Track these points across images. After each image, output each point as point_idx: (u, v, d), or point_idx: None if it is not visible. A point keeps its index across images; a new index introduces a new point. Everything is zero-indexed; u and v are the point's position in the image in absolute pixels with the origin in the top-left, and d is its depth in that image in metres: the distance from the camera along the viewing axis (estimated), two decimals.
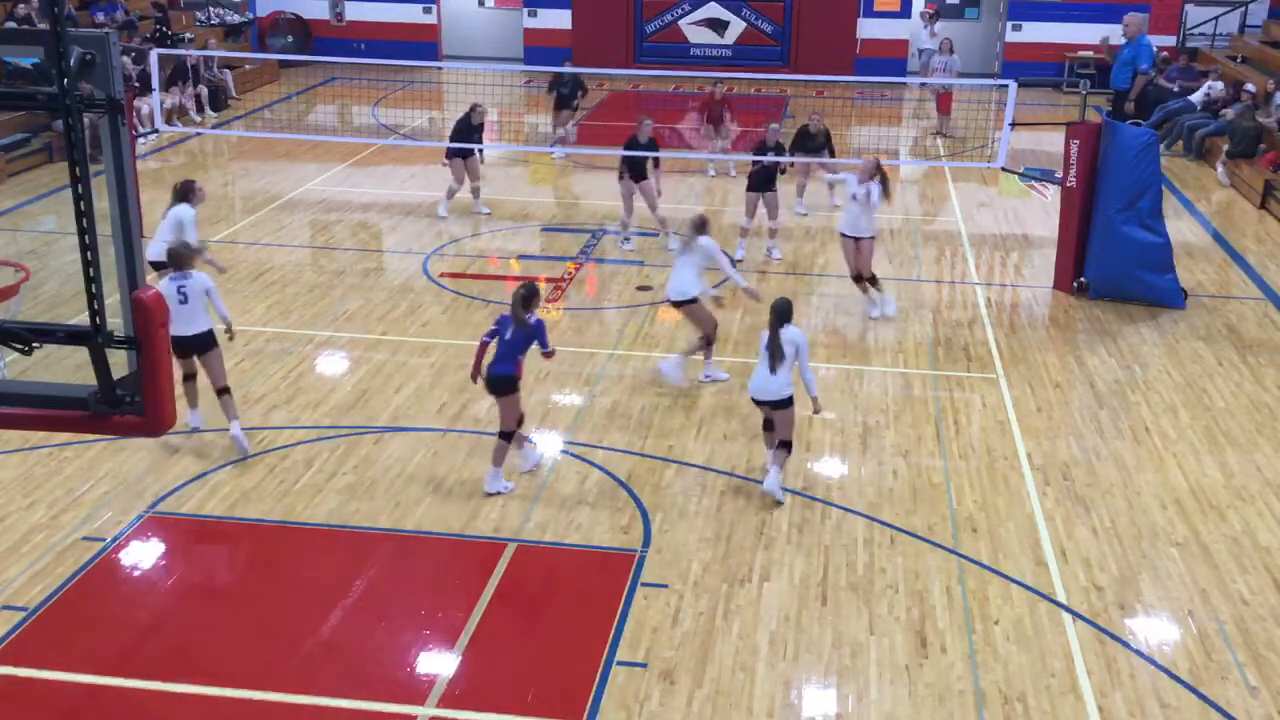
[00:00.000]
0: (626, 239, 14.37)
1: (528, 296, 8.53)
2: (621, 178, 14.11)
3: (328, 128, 21.88)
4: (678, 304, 10.53)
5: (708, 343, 10.58)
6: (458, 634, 7.20)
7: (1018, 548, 8.22)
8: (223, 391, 9.25)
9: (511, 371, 8.60)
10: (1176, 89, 21.58)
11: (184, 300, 9.02)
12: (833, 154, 16.00)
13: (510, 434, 8.69)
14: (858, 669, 6.96)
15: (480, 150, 15.68)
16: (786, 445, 8.65)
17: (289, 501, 8.61)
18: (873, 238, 12.32)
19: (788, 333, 8.46)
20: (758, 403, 8.81)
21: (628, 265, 13.76)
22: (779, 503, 8.63)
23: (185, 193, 10.66)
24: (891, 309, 12.34)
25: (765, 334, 8.59)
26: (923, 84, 24.01)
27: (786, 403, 8.54)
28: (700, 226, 10.49)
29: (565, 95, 18.70)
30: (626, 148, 14.21)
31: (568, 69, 19.23)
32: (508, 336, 8.52)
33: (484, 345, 8.59)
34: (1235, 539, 8.41)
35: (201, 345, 9.17)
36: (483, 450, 9.39)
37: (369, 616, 7.37)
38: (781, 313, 8.51)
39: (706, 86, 19.89)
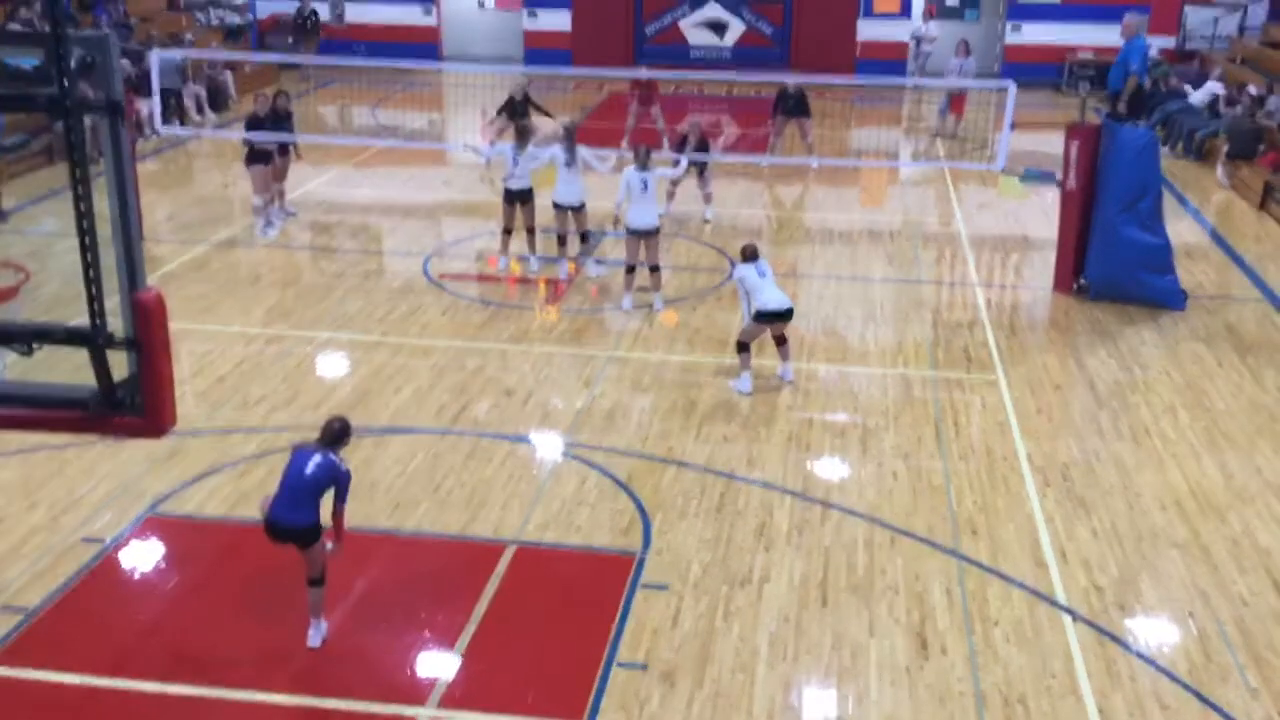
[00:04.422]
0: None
1: (340, 433, 6.99)
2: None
3: (328, 128, 21.88)
4: None
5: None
6: (458, 635, 7.20)
7: (1018, 549, 8.22)
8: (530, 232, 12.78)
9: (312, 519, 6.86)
10: (1179, 87, 21.66)
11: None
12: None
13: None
14: (858, 670, 6.96)
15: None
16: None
17: None
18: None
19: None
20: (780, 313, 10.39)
21: None
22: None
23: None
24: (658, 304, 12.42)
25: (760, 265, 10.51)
26: (920, 85, 24.05)
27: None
28: None
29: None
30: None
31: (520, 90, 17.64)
32: (306, 472, 6.79)
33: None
34: (1235, 540, 8.41)
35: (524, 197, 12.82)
36: (482, 451, 9.40)
37: (369, 617, 7.37)
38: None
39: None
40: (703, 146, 15.47)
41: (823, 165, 18.29)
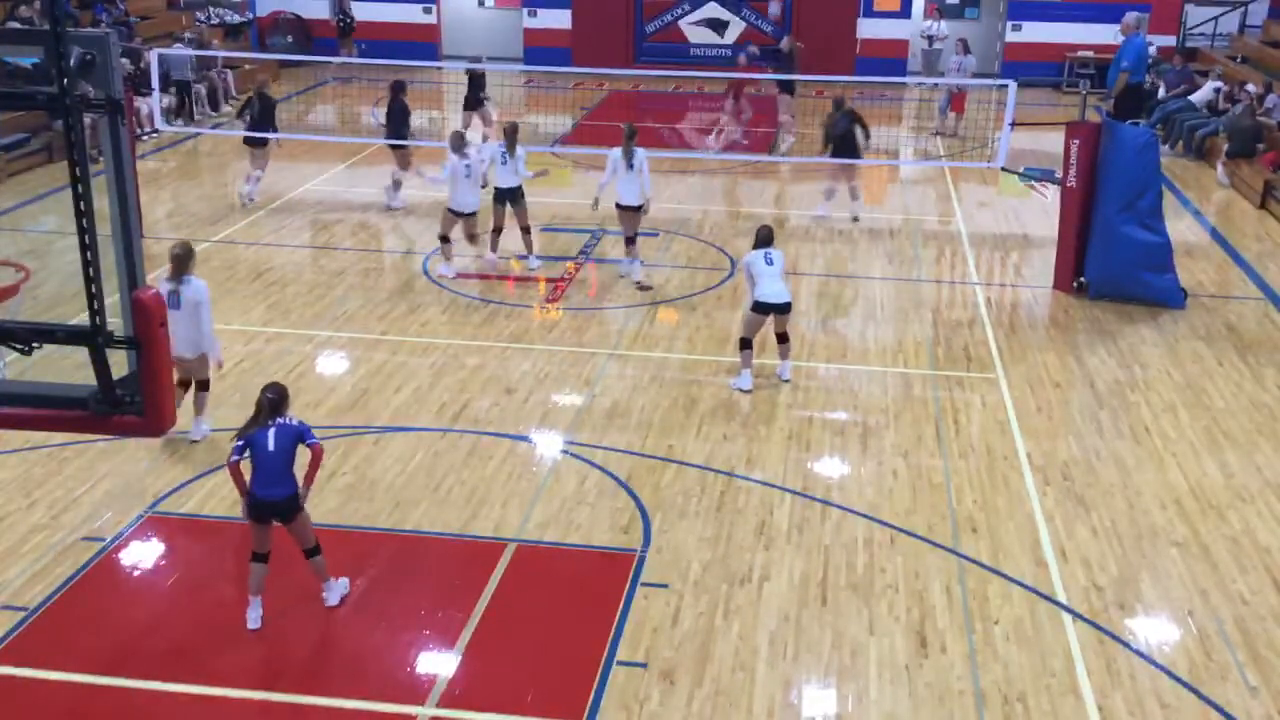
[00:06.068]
0: None
1: (277, 400, 7.15)
2: None
3: (328, 128, 21.87)
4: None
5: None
6: (458, 634, 7.20)
7: (1018, 548, 8.22)
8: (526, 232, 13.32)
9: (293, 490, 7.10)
10: (1161, 92, 21.65)
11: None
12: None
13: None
14: (858, 669, 6.96)
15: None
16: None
17: None
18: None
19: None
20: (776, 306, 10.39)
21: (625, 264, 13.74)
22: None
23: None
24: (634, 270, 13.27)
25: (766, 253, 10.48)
26: (935, 84, 24.04)
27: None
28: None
29: (478, 96, 18.69)
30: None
31: (481, 65, 18.96)
32: (271, 447, 7.00)
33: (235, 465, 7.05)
34: (1235, 539, 8.41)
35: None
36: (482, 450, 9.40)
37: (369, 616, 7.37)
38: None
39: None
40: None
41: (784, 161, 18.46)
